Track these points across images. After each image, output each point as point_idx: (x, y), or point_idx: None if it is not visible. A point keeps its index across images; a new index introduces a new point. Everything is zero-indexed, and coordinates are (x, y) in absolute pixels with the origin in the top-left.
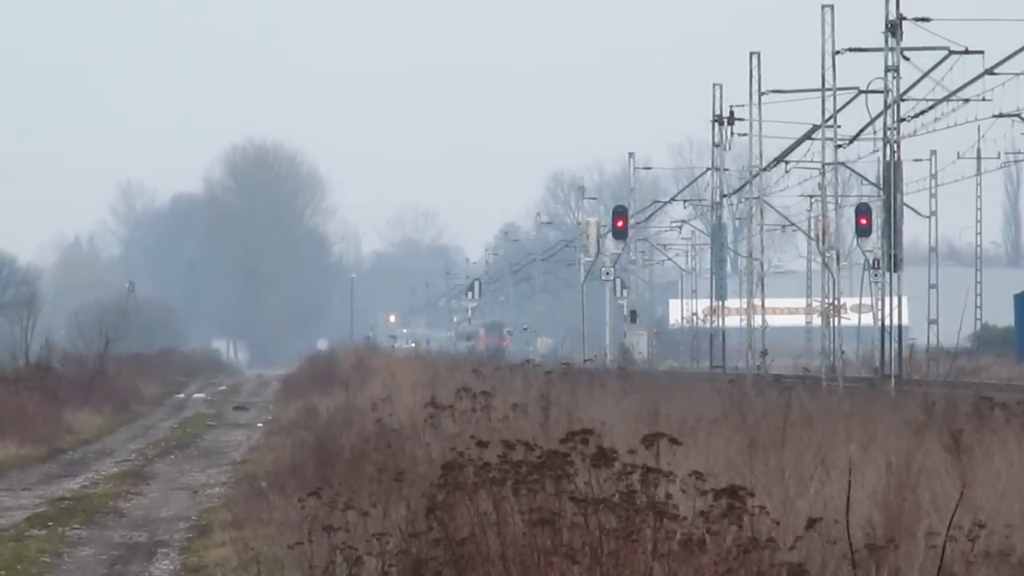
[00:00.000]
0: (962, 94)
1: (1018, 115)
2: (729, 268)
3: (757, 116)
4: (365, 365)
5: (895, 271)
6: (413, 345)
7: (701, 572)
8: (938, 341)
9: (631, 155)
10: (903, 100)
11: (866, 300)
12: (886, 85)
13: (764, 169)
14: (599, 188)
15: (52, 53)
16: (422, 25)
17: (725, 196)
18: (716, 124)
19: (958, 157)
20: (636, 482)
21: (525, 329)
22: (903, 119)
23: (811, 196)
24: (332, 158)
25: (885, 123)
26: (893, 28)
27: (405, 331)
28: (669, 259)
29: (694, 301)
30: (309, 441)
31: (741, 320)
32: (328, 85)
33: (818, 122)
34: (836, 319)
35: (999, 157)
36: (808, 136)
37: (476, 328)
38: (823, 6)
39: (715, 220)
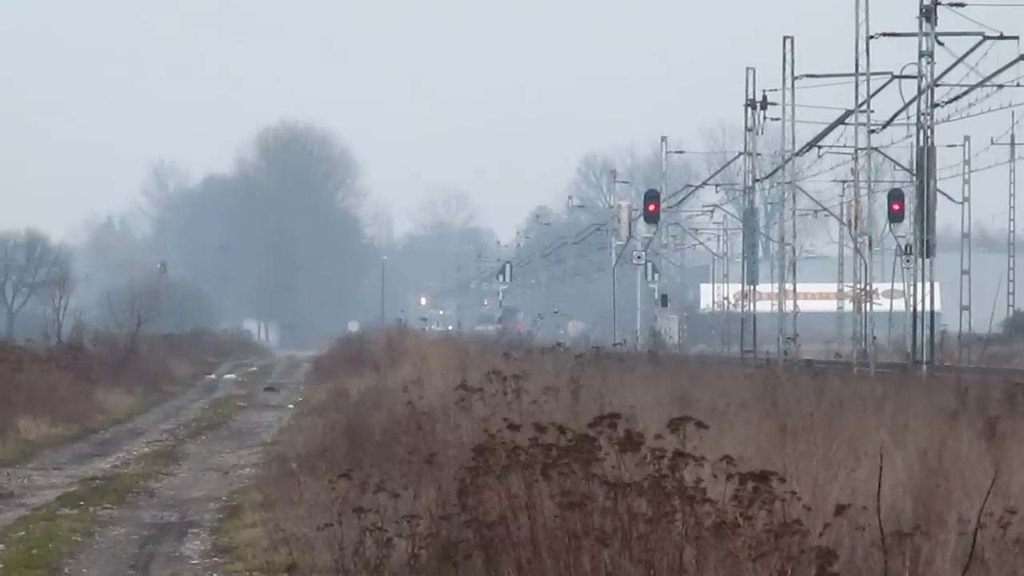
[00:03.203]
0: (996, 79)
1: None
2: (761, 253)
3: (790, 101)
4: (396, 347)
5: (927, 257)
6: (451, 328)
7: (732, 556)
8: (970, 327)
9: (663, 139)
10: (937, 85)
11: (898, 286)
12: (920, 70)
13: (797, 154)
14: (631, 172)
15: (83, 37)
16: (454, 9)
17: (757, 181)
18: (749, 108)
19: (992, 143)
20: (666, 466)
21: (556, 312)
22: (937, 104)
23: (844, 181)
24: (364, 140)
25: (919, 108)
26: (927, 13)
27: (442, 312)
28: (701, 243)
29: (725, 286)
30: (340, 423)
31: (772, 305)
32: (360, 67)
33: (851, 107)
34: (868, 304)
35: None
36: (841, 121)
37: (493, 312)
38: None
39: (747, 205)
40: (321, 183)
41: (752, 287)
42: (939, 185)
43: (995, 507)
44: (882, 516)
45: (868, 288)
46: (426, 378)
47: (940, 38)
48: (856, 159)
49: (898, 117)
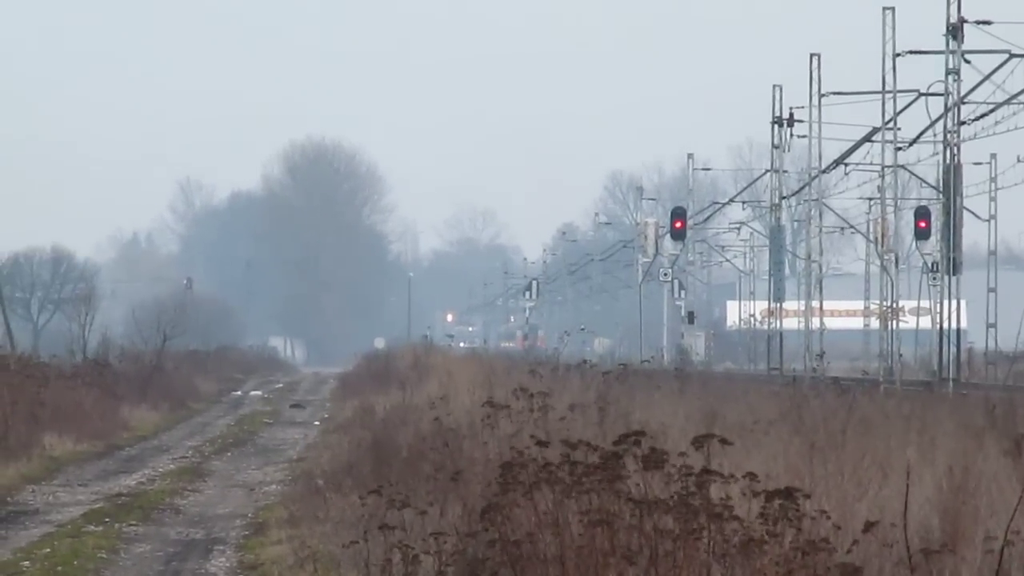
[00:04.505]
0: (1023, 97)
1: None
2: (787, 270)
3: (817, 118)
4: (422, 364)
5: (954, 274)
6: (476, 344)
7: (759, 574)
8: (996, 345)
9: (690, 156)
10: (963, 103)
11: (924, 303)
12: (947, 88)
13: (823, 171)
14: (658, 189)
15: (111, 54)
16: (480, 28)
17: (784, 198)
18: (776, 126)
19: (1018, 160)
20: (693, 484)
21: (582, 329)
22: (963, 122)
23: (870, 198)
24: (391, 156)
25: (945, 126)
26: (954, 31)
27: (471, 329)
28: (727, 260)
29: (752, 303)
30: (366, 439)
31: (799, 322)
32: (387, 84)
33: (878, 124)
34: (894, 322)
35: None
36: (868, 138)
37: (515, 330)
38: (884, 8)
39: (774, 222)
40: (347, 199)
41: (779, 304)
42: (965, 203)
43: (1022, 525)
44: (909, 534)
45: (895, 305)
46: (452, 395)
47: (967, 56)
48: (883, 176)
49: (925, 135)
